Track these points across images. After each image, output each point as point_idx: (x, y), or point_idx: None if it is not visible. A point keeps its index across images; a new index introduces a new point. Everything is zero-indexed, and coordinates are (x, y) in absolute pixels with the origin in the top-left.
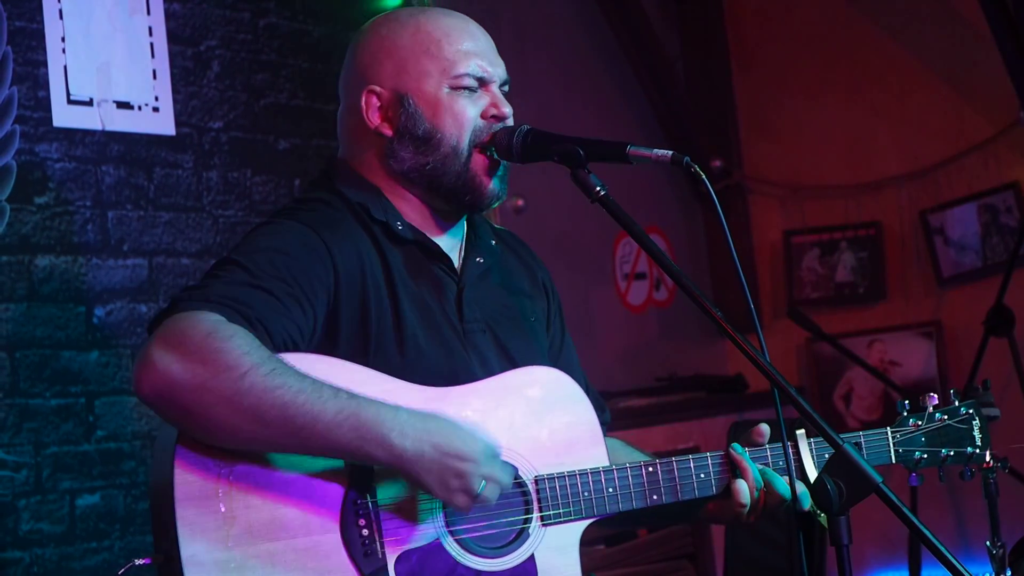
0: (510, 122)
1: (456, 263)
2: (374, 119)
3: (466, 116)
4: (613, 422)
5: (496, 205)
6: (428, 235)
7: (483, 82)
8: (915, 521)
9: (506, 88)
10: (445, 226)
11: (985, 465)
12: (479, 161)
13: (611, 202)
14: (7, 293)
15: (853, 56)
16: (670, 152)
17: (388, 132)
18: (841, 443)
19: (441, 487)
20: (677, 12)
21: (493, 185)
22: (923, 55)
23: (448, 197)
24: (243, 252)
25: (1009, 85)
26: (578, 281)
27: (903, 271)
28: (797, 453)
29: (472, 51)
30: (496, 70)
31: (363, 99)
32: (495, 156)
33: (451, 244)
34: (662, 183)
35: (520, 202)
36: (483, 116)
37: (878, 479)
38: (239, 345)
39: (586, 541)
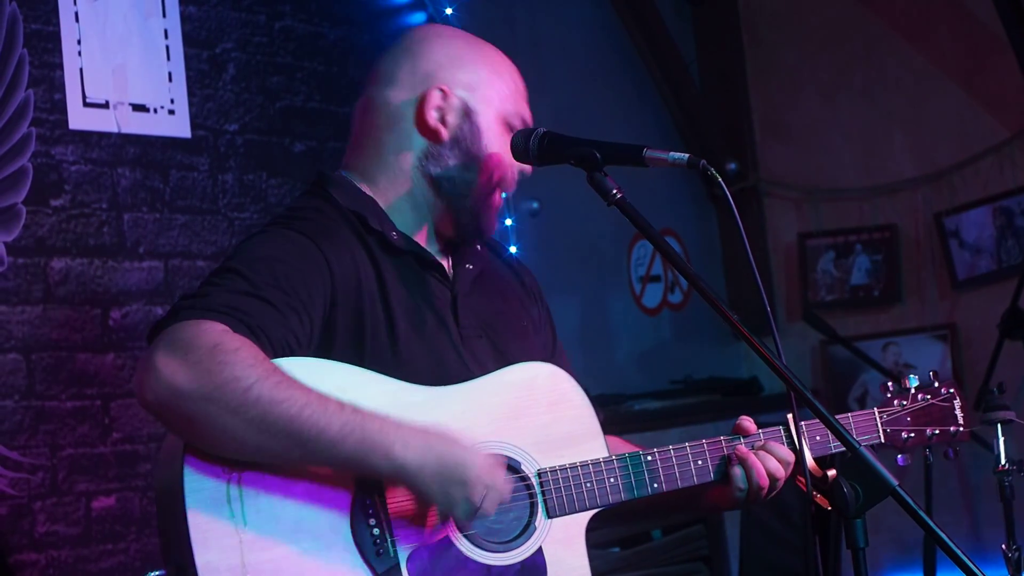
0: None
1: (447, 270)
2: (433, 117)
3: (504, 154)
4: (627, 425)
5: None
6: (422, 244)
7: (524, 127)
8: (930, 524)
9: None
10: (435, 236)
11: (1000, 468)
12: (497, 199)
13: (628, 205)
14: (23, 295)
15: (868, 59)
16: (687, 155)
17: (444, 135)
18: (858, 446)
19: (443, 498)
20: (692, 15)
21: (496, 226)
22: (938, 58)
23: (459, 218)
24: (241, 260)
25: None
26: (593, 284)
27: (918, 274)
28: (791, 438)
29: (524, 96)
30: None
31: (430, 94)
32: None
33: (440, 251)
34: (675, 186)
35: (535, 205)
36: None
37: (894, 482)
38: (245, 357)
39: (600, 544)
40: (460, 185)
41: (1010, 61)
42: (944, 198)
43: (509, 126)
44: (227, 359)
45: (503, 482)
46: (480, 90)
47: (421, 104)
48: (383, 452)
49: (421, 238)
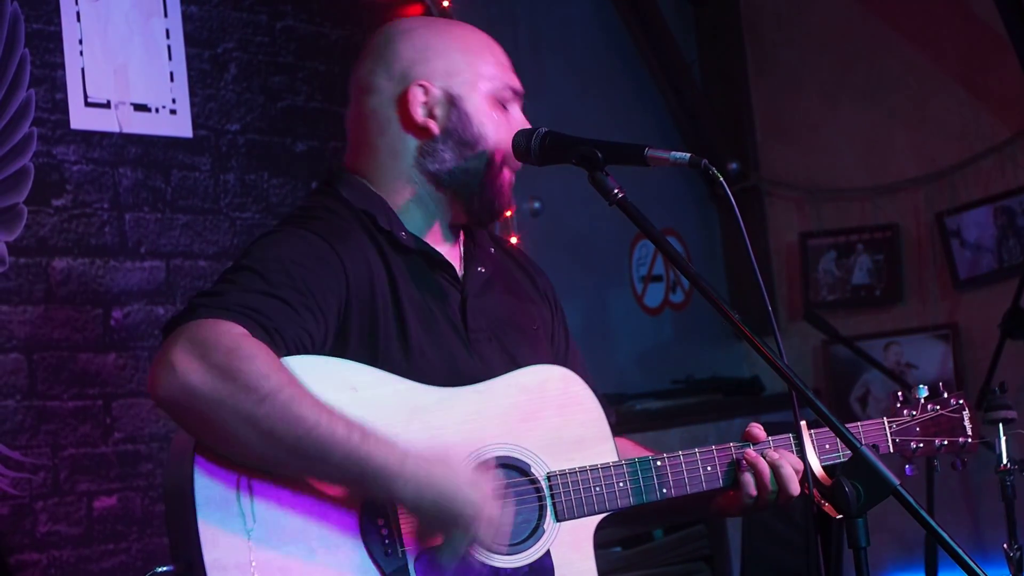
0: None
1: (457, 271)
2: (420, 115)
3: (506, 130)
4: (629, 424)
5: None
6: (431, 244)
7: (516, 97)
8: (932, 523)
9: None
10: (446, 235)
11: (1002, 467)
12: (507, 176)
13: (629, 204)
14: (25, 295)
15: (869, 58)
16: (688, 155)
17: (435, 130)
18: (859, 446)
19: (429, 539)
20: (694, 14)
21: (510, 202)
22: (940, 57)
23: (470, 205)
24: (256, 259)
25: None
26: (594, 283)
27: (919, 274)
28: (800, 443)
29: (508, 66)
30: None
31: (410, 93)
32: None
33: (451, 252)
34: (677, 186)
35: (537, 204)
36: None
37: (895, 481)
38: (260, 367)
39: (602, 543)
40: (462, 175)
41: (1011, 60)
42: (945, 198)
43: (499, 101)
44: (244, 367)
45: (502, 518)
46: (460, 74)
47: (404, 105)
48: (382, 486)
49: (431, 238)
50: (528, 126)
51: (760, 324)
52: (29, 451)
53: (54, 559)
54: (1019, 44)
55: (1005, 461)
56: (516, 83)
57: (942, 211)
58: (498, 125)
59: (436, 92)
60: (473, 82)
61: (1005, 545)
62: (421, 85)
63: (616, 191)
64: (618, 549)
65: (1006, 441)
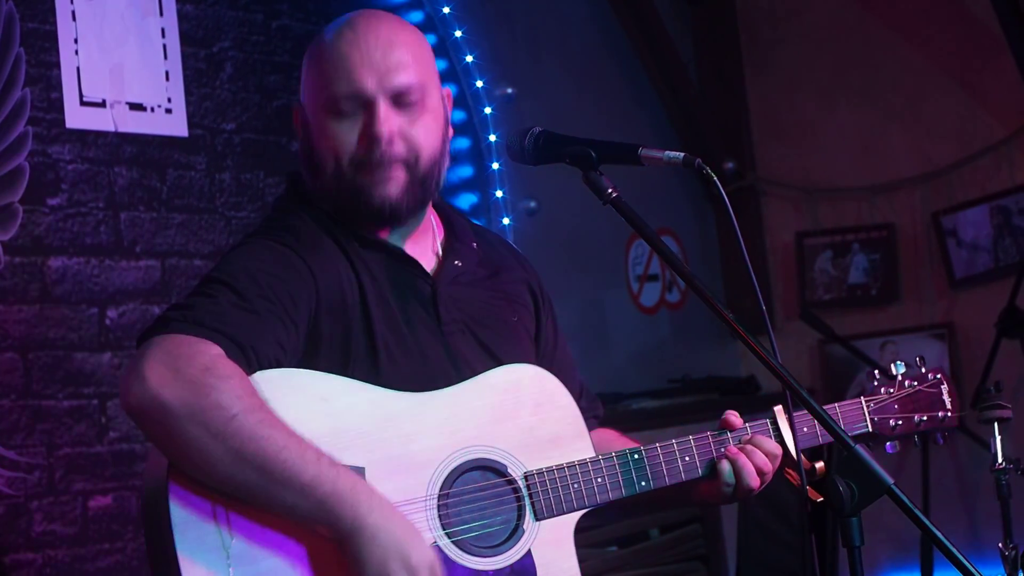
0: (385, 146)
1: (431, 267)
2: (298, 134)
3: (338, 141)
4: (625, 424)
5: (407, 213)
6: (391, 243)
7: (364, 102)
8: (927, 523)
9: (412, 96)
10: (404, 232)
11: (997, 466)
12: (363, 181)
13: (623, 204)
14: (20, 294)
15: (866, 58)
16: (682, 154)
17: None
18: (853, 445)
19: (378, 570)
20: (690, 14)
21: (386, 196)
22: (936, 57)
23: (355, 216)
24: (227, 272)
25: (1022, 87)
26: (590, 283)
27: (916, 273)
28: (778, 431)
29: (350, 68)
30: (383, 84)
31: (294, 113)
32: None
33: (420, 249)
34: (674, 185)
35: (532, 204)
36: (359, 139)
37: (889, 480)
38: (234, 387)
39: (598, 543)
40: (322, 195)
41: (1008, 60)
42: (942, 197)
43: (334, 109)
44: (217, 384)
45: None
46: (307, 89)
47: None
48: (349, 507)
49: (387, 234)
50: (384, 127)
51: (756, 323)
52: (24, 450)
53: (49, 559)
54: (1015, 44)
55: (1000, 460)
56: (347, 88)
57: (938, 210)
58: (333, 137)
59: (301, 111)
60: (311, 99)
61: (1001, 544)
62: (296, 106)
63: (610, 190)
64: (614, 548)
65: (1001, 440)
